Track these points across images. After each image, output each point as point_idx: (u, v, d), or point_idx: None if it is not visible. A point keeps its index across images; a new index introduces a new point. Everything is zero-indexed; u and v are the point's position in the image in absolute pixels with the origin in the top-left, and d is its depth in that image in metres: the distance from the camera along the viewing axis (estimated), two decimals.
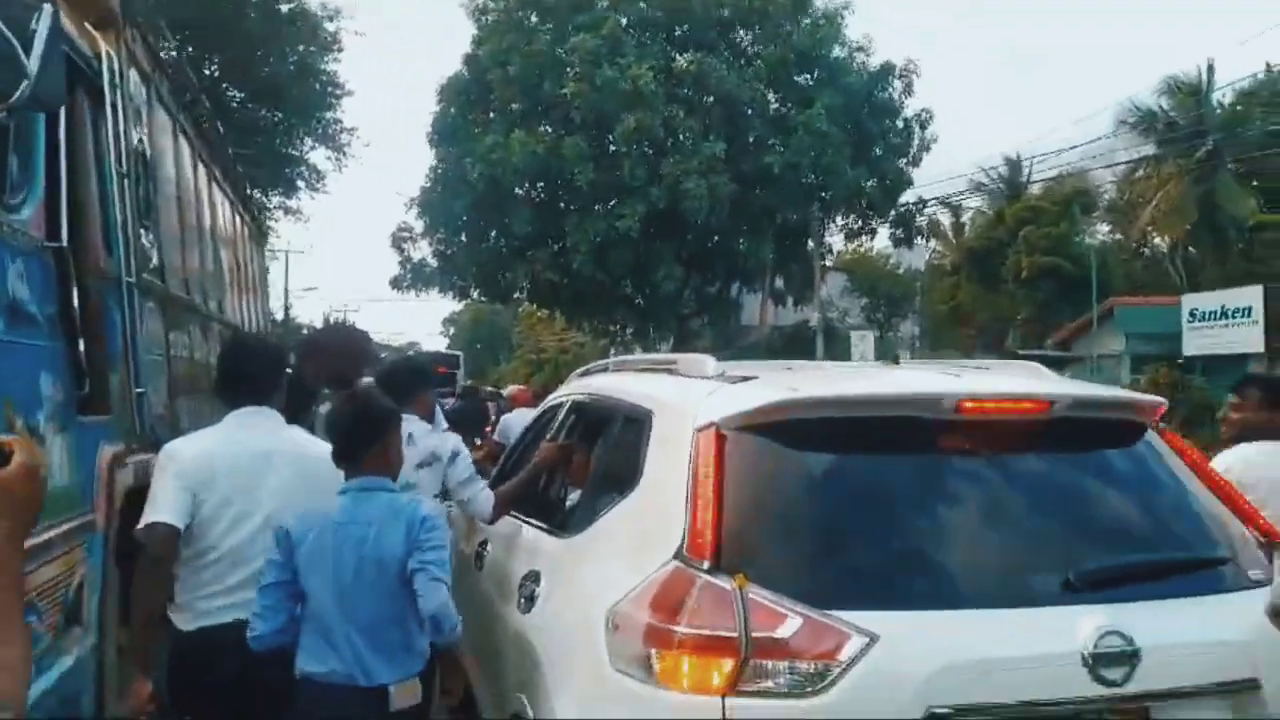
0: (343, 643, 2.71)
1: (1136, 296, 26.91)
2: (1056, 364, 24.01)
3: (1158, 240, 33.31)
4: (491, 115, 22.06)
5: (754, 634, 2.19)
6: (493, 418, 10.80)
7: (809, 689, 2.19)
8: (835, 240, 25.33)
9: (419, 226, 23.96)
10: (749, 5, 21.57)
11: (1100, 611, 2.31)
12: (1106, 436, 2.78)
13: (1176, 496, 2.71)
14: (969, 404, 2.55)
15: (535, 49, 20.98)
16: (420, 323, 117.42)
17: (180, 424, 4.73)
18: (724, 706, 2.17)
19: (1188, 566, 2.59)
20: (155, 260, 4.72)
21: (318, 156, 25.18)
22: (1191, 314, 16.65)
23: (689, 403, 2.74)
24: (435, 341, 62.03)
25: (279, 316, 35.88)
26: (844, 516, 2.50)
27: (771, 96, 21.64)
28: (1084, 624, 2.28)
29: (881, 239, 26.61)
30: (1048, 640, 2.29)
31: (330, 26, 22.75)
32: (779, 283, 24.72)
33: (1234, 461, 3.40)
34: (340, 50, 23.28)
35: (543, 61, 20.90)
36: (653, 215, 20.40)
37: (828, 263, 26.11)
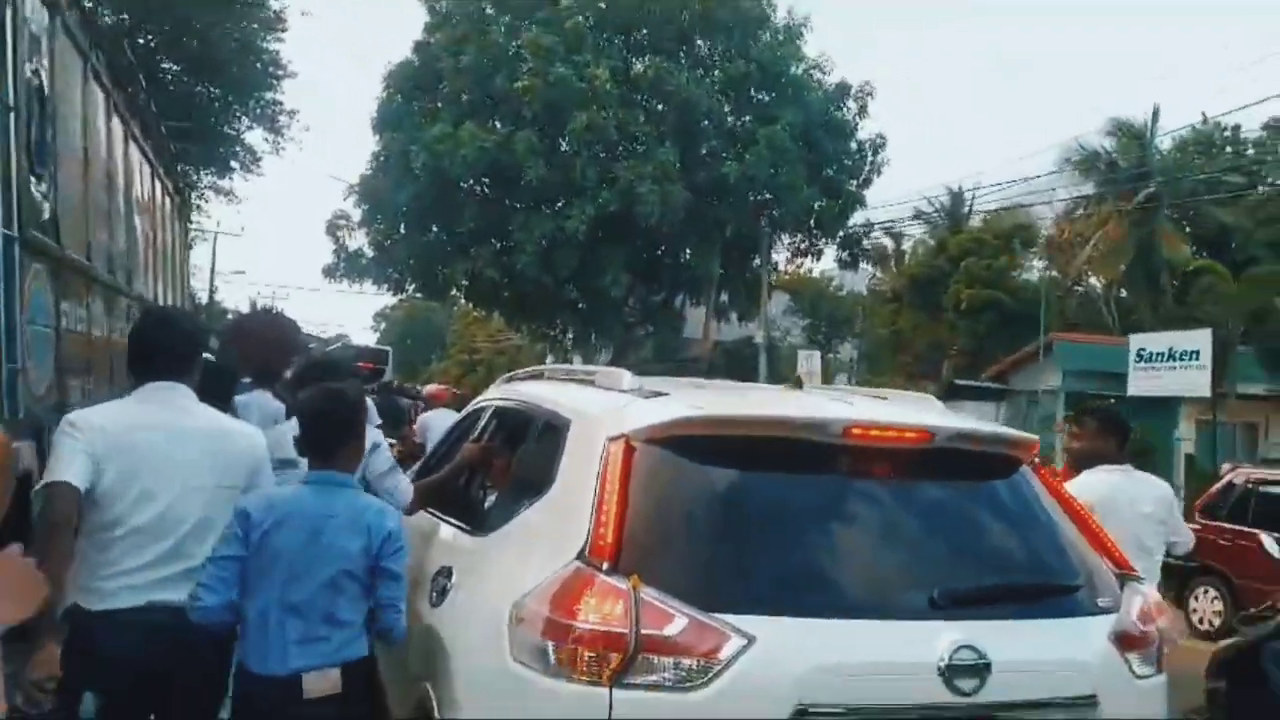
0: (273, 629, 2.74)
1: (1071, 333, 27.22)
2: (993, 396, 24.14)
3: (1093, 279, 33.96)
4: (440, 105, 21.32)
5: (643, 631, 2.36)
6: (412, 415, 10.82)
7: (690, 684, 2.36)
8: (781, 258, 25.14)
9: (357, 215, 23.17)
10: (710, 15, 21.24)
11: (958, 627, 2.51)
12: (983, 468, 2.97)
13: (1041, 527, 2.92)
14: (856, 430, 2.74)
15: (490, 40, 20.35)
16: (351, 315, 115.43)
17: (69, 408, 4.16)
18: (610, 697, 2.35)
19: (1042, 591, 2.82)
20: (47, 214, 4.09)
21: (254, 137, 24.36)
22: (1139, 354, 16.67)
23: (604, 414, 2.92)
24: (365, 336, 60.68)
25: (203, 299, 34.58)
26: (734, 528, 2.65)
27: (728, 109, 21.28)
28: (942, 638, 2.48)
29: (826, 260, 26.61)
30: (909, 650, 2.48)
31: (275, 4, 21.94)
32: (723, 297, 24.41)
33: (1076, 490, 3.49)
34: (284, 29, 22.48)
35: (497, 54, 20.28)
36: (602, 218, 19.88)
37: (773, 280, 25.92)
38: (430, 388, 12.00)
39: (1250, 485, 9.42)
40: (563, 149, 20.49)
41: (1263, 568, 8.48)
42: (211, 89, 22.57)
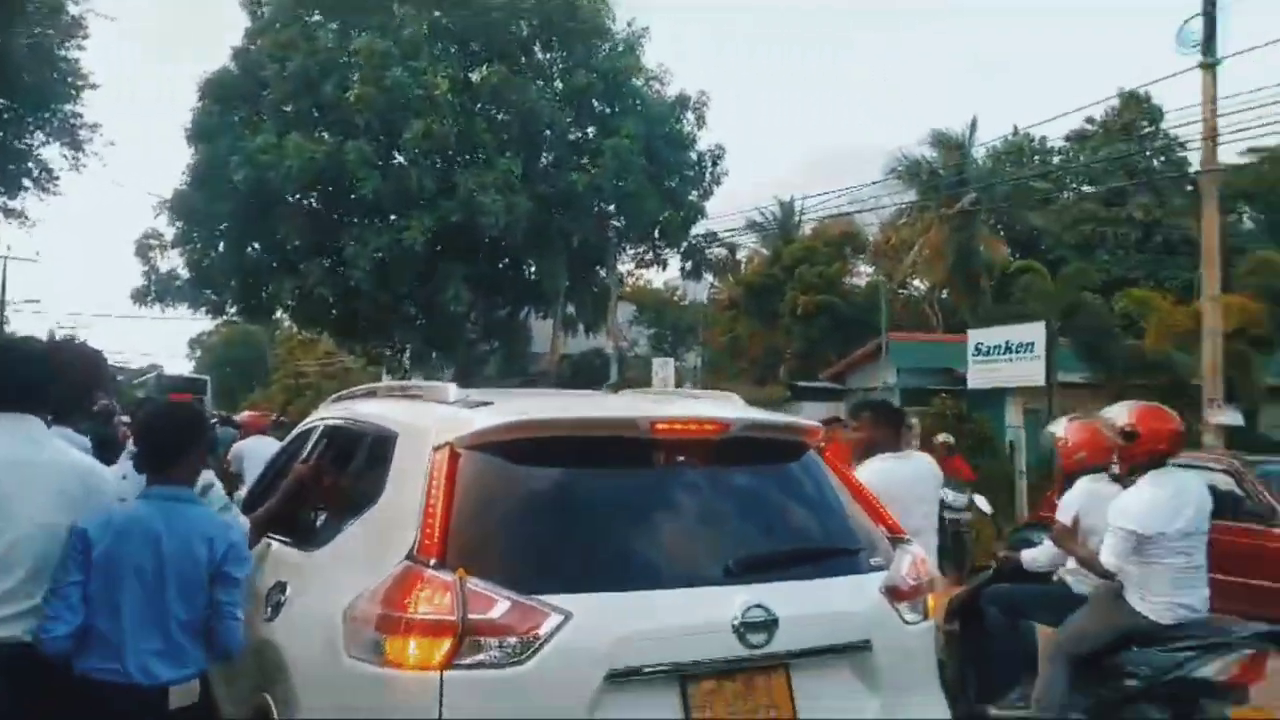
0: (130, 643, 2.77)
1: (904, 333, 28.27)
2: (831, 396, 24.70)
3: (917, 282, 35.59)
4: (262, 115, 19.87)
5: (470, 616, 2.59)
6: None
7: (515, 659, 2.60)
8: (626, 269, 24.89)
9: (170, 234, 21.28)
10: (549, 25, 20.77)
11: (749, 590, 2.85)
12: (774, 453, 3.37)
13: (823, 501, 3.33)
14: (661, 425, 3.06)
15: (318, 46, 19.11)
16: (165, 343, 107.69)
17: None
18: (442, 679, 2.56)
19: (822, 555, 3.21)
20: None
21: (51, 153, 22.02)
22: (977, 348, 17.22)
23: (429, 425, 3.10)
24: (181, 364, 56.70)
25: None
26: (552, 518, 2.92)
27: (570, 119, 20.80)
28: (735, 600, 2.82)
29: (669, 270, 26.63)
30: (706, 613, 2.81)
31: (74, 9, 19.91)
32: (569, 309, 23.91)
33: (861, 474, 4.07)
34: (85, 36, 20.45)
35: (325, 60, 19.07)
36: (442, 230, 18.97)
37: (619, 291, 25.68)
38: (244, 415, 11.68)
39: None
40: (397, 159, 19.48)
41: None
42: None
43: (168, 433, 3.03)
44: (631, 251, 23.85)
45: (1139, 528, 4.24)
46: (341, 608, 2.78)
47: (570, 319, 23.96)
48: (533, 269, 21.94)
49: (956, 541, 10.80)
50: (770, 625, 2.83)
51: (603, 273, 23.84)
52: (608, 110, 21.36)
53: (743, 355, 34.89)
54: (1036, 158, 34.60)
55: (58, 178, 22.23)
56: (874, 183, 28.71)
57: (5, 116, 20.61)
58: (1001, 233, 32.76)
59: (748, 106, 79.24)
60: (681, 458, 3.13)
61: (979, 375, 17.11)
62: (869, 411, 4.86)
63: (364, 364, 32.33)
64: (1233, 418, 13.92)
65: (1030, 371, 16.04)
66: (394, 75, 18.03)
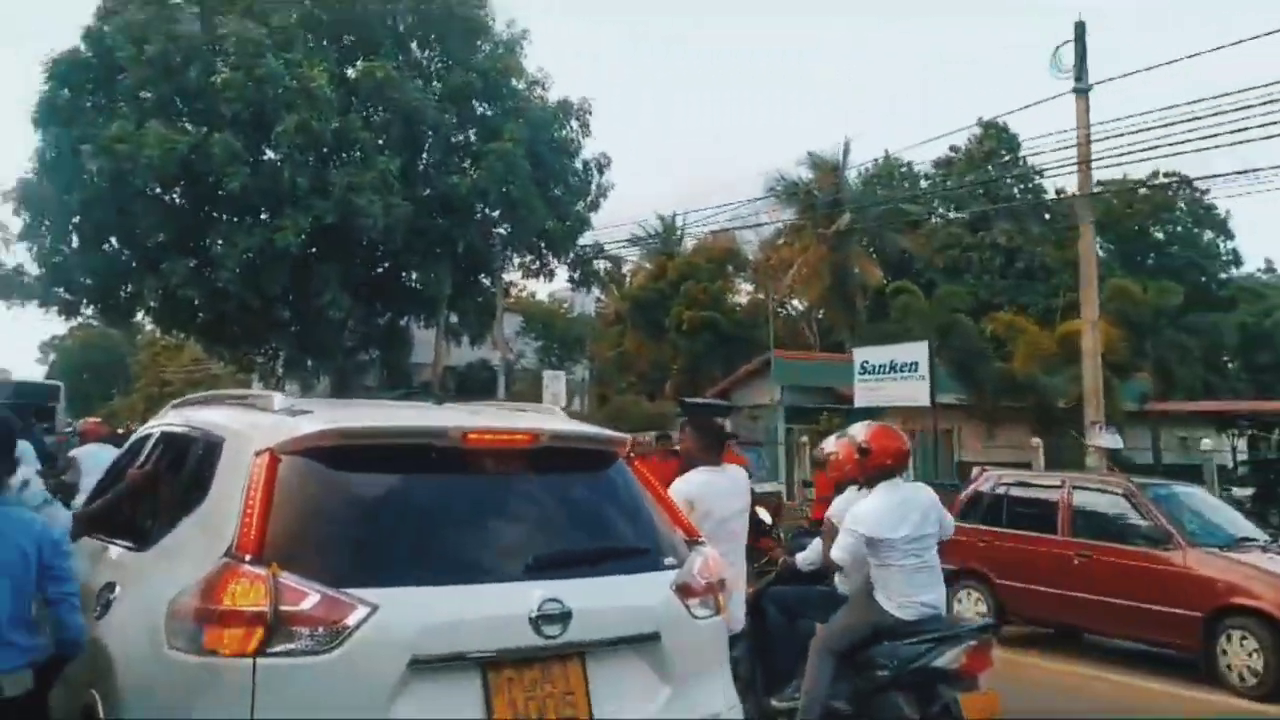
0: None
1: (787, 351, 28.74)
2: (718, 411, 24.86)
3: (795, 301, 36.32)
4: (119, 100, 18.69)
5: (281, 608, 2.76)
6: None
7: (324, 648, 2.78)
8: (514, 278, 24.50)
9: (16, 225, 19.80)
10: (427, 21, 20.32)
11: (545, 586, 3.07)
12: (582, 462, 3.61)
13: (624, 506, 3.58)
14: (472, 435, 3.28)
15: (181, 30, 18.12)
16: (13, 344, 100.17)
17: None
18: (254, 665, 2.74)
19: (616, 554, 3.43)
20: None
21: None
22: (863, 367, 17.40)
23: (253, 431, 3.31)
24: (32, 369, 53.12)
25: None
26: (363, 519, 3.11)
27: (453, 120, 20.35)
28: (533, 594, 3.04)
29: (555, 282, 26.38)
30: (506, 606, 3.02)
31: None
32: (453, 318, 23.34)
33: (679, 484, 4.68)
34: None
35: (188, 46, 18.08)
36: (317, 231, 18.22)
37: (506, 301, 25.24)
38: (84, 422, 11.79)
39: (1002, 487, 9.63)
40: (268, 155, 18.59)
41: (1024, 568, 8.83)
42: None
43: None
44: (517, 261, 23.49)
45: (866, 530, 4.82)
46: (165, 603, 2.94)
47: (454, 328, 23.43)
48: (414, 275, 21.32)
49: None
50: (564, 618, 3.07)
51: (487, 281, 23.39)
52: (489, 112, 21.01)
53: (630, 369, 34.91)
54: (905, 183, 35.82)
55: None
56: (752, 200, 29.09)
57: None
58: (874, 254, 33.75)
59: (629, 118, 79.68)
60: (492, 465, 3.38)
61: (865, 393, 17.30)
62: (689, 426, 5.18)
63: (233, 371, 30.90)
64: (1113, 441, 14.32)
65: (915, 391, 16.33)
66: (267, 65, 17.27)
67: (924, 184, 36.20)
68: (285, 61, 17.62)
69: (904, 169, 36.23)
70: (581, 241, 23.42)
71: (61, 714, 3.60)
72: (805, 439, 15.57)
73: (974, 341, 21.06)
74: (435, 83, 20.45)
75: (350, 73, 19.13)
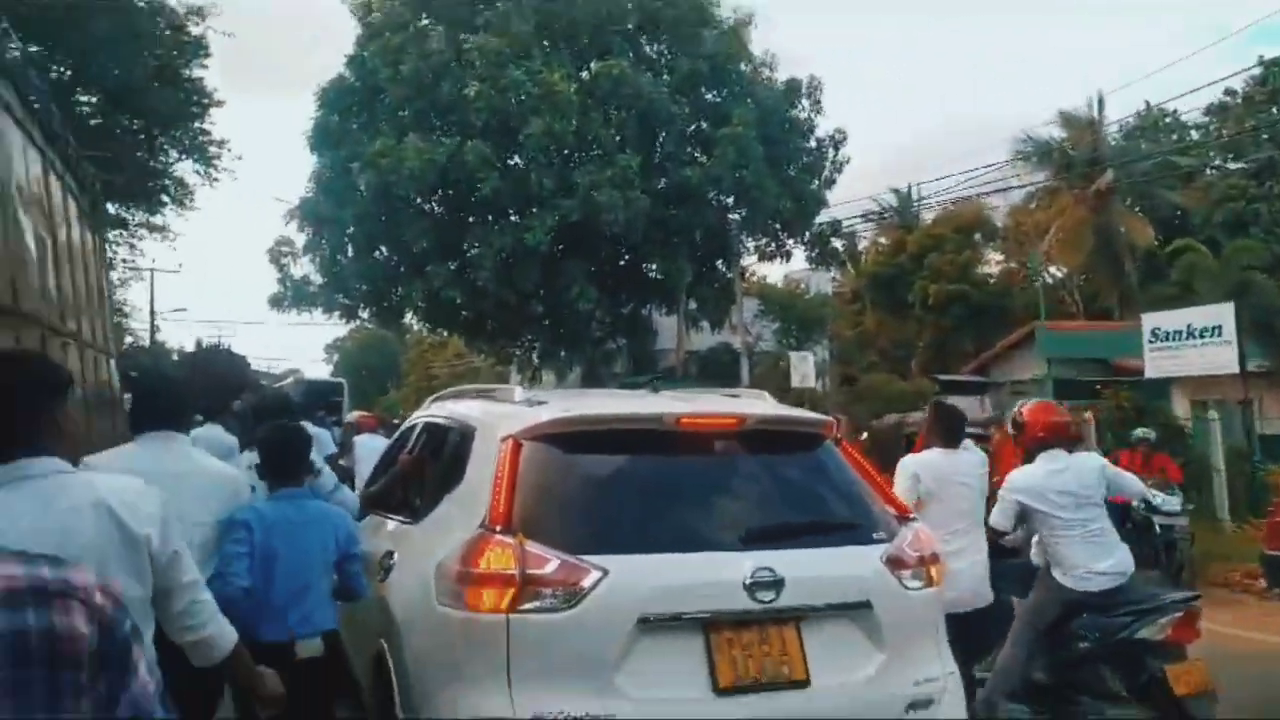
0: (279, 609, 3.54)
1: (1054, 321, 26.80)
2: (975, 390, 23.56)
3: (1052, 268, 33.83)
4: (380, 120, 20.23)
5: (527, 571, 3.23)
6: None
7: (564, 606, 3.23)
8: (749, 262, 24.36)
9: (300, 240, 21.96)
10: (655, 16, 20.54)
11: (759, 556, 3.40)
12: (791, 443, 3.92)
13: (833, 484, 3.83)
14: (685, 419, 3.68)
15: (431, 49, 19.34)
16: (302, 347, 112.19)
17: None
18: (508, 620, 3.22)
19: (828, 528, 3.73)
20: None
21: (185, 169, 22.97)
22: (1154, 334, 15.68)
23: (499, 420, 3.80)
24: (317, 368, 59.01)
25: (144, 340, 33.08)
26: (594, 493, 3.58)
27: (686, 110, 20.49)
28: (746, 563, 3.37)
29: (791, 264, 25.99)
30: (722, 573, 3.38)
31: (195, 29, 20.43)
32: (692, 305, 23.58)
33: (911, 462, 5.11)
34: (208, 55, 21.12)
35: (438, 63, 19.28)
36: (564, 229, 18.94)
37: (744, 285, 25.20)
38: (355, 415, 12.81)
39: None
40: (515, 160, 19.51)
41: None
42: (134, 121, 21.19)
43: (288, 454, 3.90)
44: (752, 245, 23.38)
45: (1017, 495, 4.97)
46: (433, 566, 3.47)
47: (694, 315, 23.66)
48: (655, 266, 21.70)
49: (1169, 550, 9.79)
50: (777, 585, 3.34)
51: (723, 267, 23.45)
52: (718, 99, 20.98)
53: (870, 347, 33.95)
54: (1173, 134, 32.36)
55: (192, 192, 23.20)
56: (991, 166, 27.30)
57: (140, 137, 21.52)
58: (1141, 214, 30.75)
59: (858, 89, 76.83)
60: (704, 446, 3.76)
61: (1158, 363, 15.61)
62: (931, 409, 5.62)
63: (493, 363, 32.73)
64: None
65: (1218, 358, 14.53)
66: (510, 75, 18.09)
67: (1194, 134, 32.61)
68: (526, 69, 18.38)
69: (1169, 119, 32.81)
70: (818, 220, 22.95)
71: (359, 661, 4.21)
72: (1089, 415, 14.29)
73: (1275, 300, 18.67)
74: (665, 74, 20.66)
75: (585, 74, 19.68)
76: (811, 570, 3.45)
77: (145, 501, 2.40)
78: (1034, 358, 22.65)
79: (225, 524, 3.48)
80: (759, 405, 4.19)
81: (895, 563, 3.61)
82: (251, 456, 4.27)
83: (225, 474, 3.63)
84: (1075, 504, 4.86)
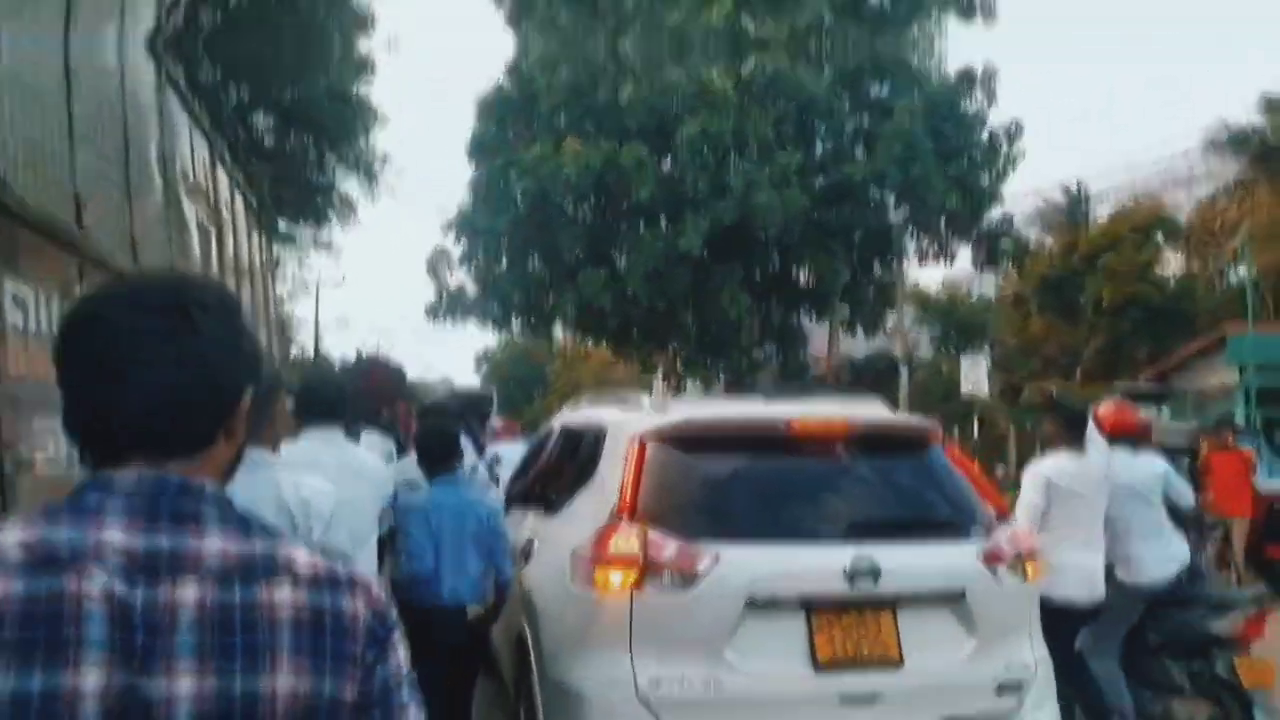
0: (446, 578, 4.42)
1: (1233, 326, 24.57)
2: (1154, 399, 21.72)
3: (1241, 269, 31.07)
4: (536, 127, 20.23)
5: (649, 555, 3.65)
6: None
7: (682, 586, 3.63)
8: (909, 264, 23.22)
9: (456, 251, 22.24)
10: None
11: (857, 546, 3.75)
12: (896, 446, 4.35)
13: (937, 485, 4.23)
14: (796, 424, 4.14)
15: (586, 52, 19.18)
16: (454, 357, 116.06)
17: None
18: (632, 597, 3.65)
19: (926, 524, 4.16)
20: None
21: (349, 185, 23.75)
22: None
23: (628, 423, 4.36)
24: (468, 378, 60.64)
25: (309, 351, 34.44)
26: (711, 488, 4.03)
27: (847, 105, 19.72)
28: (847, 553, 3.72)
29: (954, 265, 24.68)
30: (824, 561, 3.74)
31: (363, 48, 20.99)
32: (845, 310, 22.67)
33: (1040, 466, 5.31)
34: (373, 73, 21.71)
35: (594, 66, 19.11)
36: (716, 232, 18.44)
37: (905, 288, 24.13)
38: (499, 422, 13.27)
39: None
40: (668, 162, 19.17)
41: None
42: (305, 137, 22.04)
43: (444, 448, 4.70)
44: (912, 247, 22.27)
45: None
46: (570, 552, 3.94)
47: (848, 321, 22.76)
48: (807, 269, 20.93)
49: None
50: (874, 573, 3.66)
51: (878, 270, 22.44)
52: (882, 93, 20.11)
53: (1035, 353, 32.08)
54: None
55: (356, 209, 23.92)
56: (1181, 154, 25.15)
57: (310, 156, 22.38)
58: None
59: (1030, 82, 73.12)
60: (812, 448, 4.11)
61: None
62: (1053, 414, 5.67)
63: (638, 371, 32.58)
64: None
65: None
66: (666, 74, 17.78)
67: None
68: (683, 69, 18.00)
69: None
70: (988, 217, 21.65)
71: (501, 639, 4.77)
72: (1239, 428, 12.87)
73: None
74: (827, 67, 19.86)
75: (751, 61, 19.09)
76: (908, 561, 3.81)
77: (320, 500, 2.94)
78: (1224, 365, 20.77)
79: (402, 509, 4.39)
80: (868, 411, 4.54)
81: (991, 557, 3.93)
82: (404, 466, 5.09)
83: (377, 467, 4.19)
84: (1131, 497, 5.16)
